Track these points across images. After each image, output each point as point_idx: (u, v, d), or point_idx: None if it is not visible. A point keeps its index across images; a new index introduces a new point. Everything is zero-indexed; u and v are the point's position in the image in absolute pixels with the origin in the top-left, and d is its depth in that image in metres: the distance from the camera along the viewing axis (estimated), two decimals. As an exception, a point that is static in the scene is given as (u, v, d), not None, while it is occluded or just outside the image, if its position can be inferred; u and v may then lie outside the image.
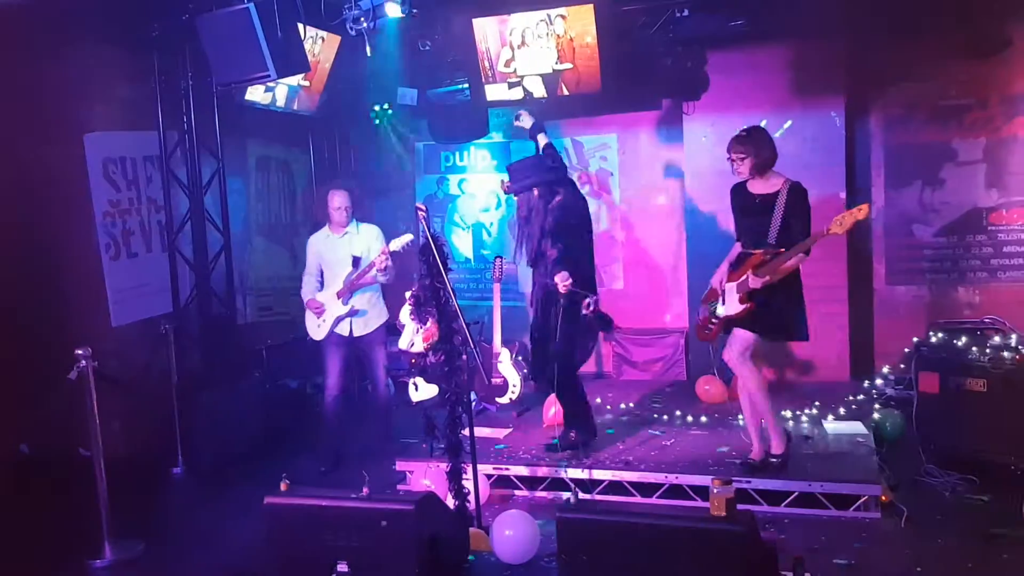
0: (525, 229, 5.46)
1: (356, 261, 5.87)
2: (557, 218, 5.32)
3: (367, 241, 5.94)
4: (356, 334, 5.94)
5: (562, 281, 5.10)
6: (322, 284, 5.98)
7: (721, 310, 5.00)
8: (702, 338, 5.26)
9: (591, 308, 5.19)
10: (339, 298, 5.84)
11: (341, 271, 5.87)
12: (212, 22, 5.49)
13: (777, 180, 4.86)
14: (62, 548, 4.79)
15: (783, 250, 4.70)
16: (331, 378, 5.98)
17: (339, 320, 5.87)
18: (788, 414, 5.92)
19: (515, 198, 5.52)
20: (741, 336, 4.92)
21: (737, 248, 5.08)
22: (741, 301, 4.84)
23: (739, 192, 5.03)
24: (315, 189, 8.55)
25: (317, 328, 5.95)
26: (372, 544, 3.86)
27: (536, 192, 5.36)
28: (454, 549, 4.27)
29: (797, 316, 4.90)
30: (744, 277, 4.81)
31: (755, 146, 4.84)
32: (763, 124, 7.14)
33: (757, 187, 4.92)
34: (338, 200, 5.91)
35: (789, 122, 7.14)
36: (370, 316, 5.97)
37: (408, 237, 5.71)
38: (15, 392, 5.30)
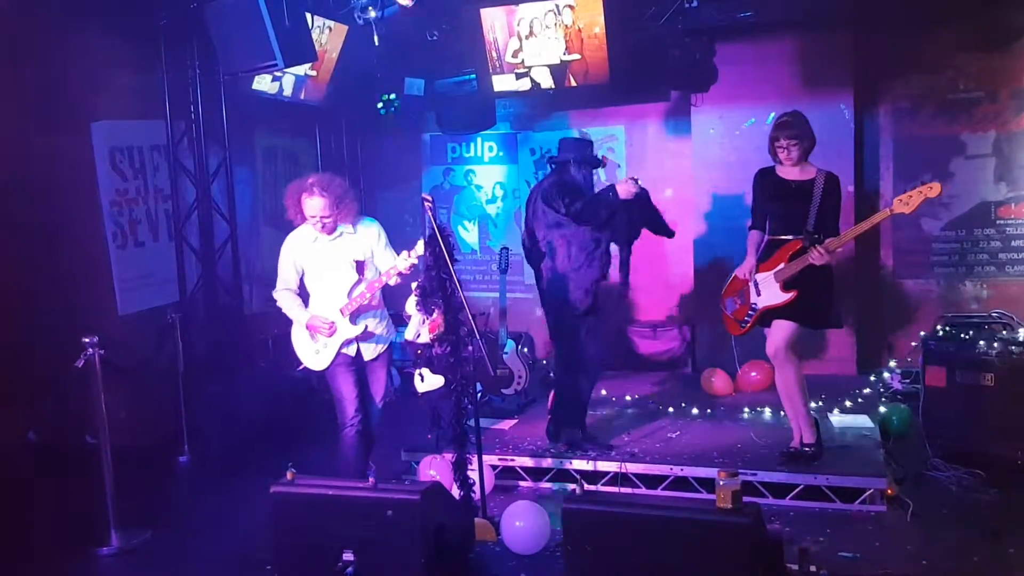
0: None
1: (360, 267, 4.84)
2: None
3: (367, 242, 4.86)
4: (366, 358, 4.92)
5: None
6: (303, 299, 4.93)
7: (759, 301, 4.89)
8: (736, 332, 5.10)
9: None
10: (344, 315, 4.77)
11: (340, 282, 4.79)
12: (220, 11, 5.48)
13: (810, 168, 4.84)
14: (69, 536, 4.81)
15: (818, 235, 4.69)
16: (351, 407, 4.80)
17: (347, 343, 4.82)
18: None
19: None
20: (784, 327, 4.81)
21: (756, 236, 5.00)
22: (783, 290, 4.77)
23: (768, 178, 4.93)
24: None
25: (316, 355, 4.84)
26: (378, 533, 3.87)
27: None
28: (459, 539, 4.28)
29: (834, 303, 4.88)
30: (780, 266, 4.75)
31: (805, 130, 4.80)
32: (771, 116, 7.20)
33: (790, 174, 4.86)
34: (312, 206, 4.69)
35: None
36: (379, 337, 4.93)
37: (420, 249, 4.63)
38: (23, 380, 5.31)
